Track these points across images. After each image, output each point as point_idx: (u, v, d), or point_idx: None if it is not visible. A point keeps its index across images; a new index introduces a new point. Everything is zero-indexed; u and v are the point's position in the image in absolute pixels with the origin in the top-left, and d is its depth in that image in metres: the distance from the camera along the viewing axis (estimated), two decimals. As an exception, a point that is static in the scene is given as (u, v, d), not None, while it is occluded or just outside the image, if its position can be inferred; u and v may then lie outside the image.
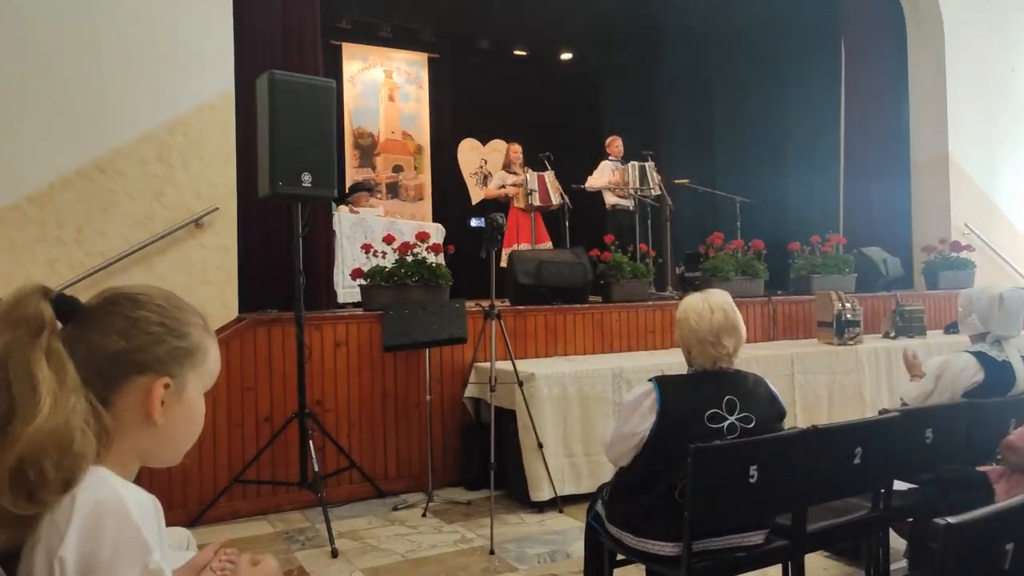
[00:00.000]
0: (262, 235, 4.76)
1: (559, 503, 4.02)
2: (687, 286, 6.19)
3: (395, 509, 4.09)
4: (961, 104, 7.32)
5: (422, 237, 4.74)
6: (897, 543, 2.90)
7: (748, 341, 5.59)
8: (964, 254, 6.71)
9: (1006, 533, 1.55)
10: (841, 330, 5.20)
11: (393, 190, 9.16)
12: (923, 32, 7.48)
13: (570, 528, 3.71)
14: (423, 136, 9.40)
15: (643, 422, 2.28)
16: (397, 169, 9.21)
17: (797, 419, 4.81)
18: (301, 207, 3.86)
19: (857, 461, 2.46)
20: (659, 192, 6.98)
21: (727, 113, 9.70)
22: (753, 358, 4.90)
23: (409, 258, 4.63)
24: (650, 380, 2.34)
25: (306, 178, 3.71)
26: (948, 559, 1.49)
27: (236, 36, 4.42)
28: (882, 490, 2.61)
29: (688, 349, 2.37)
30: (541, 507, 4.02)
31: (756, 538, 2.34)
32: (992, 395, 2.90)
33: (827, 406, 5.02)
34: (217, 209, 4.30)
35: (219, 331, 4.20)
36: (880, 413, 2.73)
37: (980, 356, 2.93)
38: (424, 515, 3.97)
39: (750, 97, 9.33)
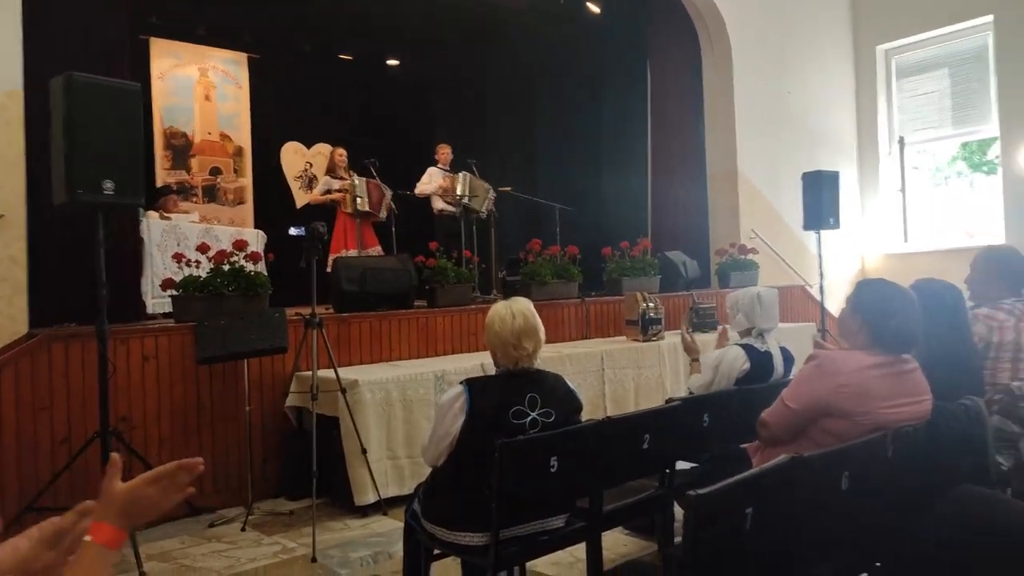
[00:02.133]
0: (60, 244, 4.42)
1: (383, 506, 4.09)
2: (509, 290, 6.46)
3: (211, 526, 3.97)
4: (747, 122, 8.20)
5: (240, 246, 4.61)
6: (682, 516, 3.27)
7: (564, 340, 6.06)
8: (750, 256, 7.53)
9: (747, 500, 1.84)
10: (646, 328, 5.68)
11: (211, 193, 8.74)
12: (715, 58, 8.30)
13: (394, 530, 3.79)
14: (243, 138, 9.04)
15: (455, 422, 2.42)
16: (215, 172, 8.79)
17: (607, 410, 5.20)
18: (105, 216, 3.64)
19: (646, 446, 2.76)
20: (490, 210, 7.21)
21: (549, 124, 10.17)
22: (567, 356, 5.24)
23: (226, 267, 4.50)
24: (461, 383, 2.50)
25: (108, 185, 3.49)
26: (699, 524, 1.75)
27: (30, 31, 4.10)
28: (667, 470, 2.94)
29: (494, 351, 2.55)
30: (365, 511, 4.07)
31: (558, 522, 2.56)
32: (757, 382, 3.34)
33: (634, 397, 5.46)
34: (2, 216, 3.95)
35: (5, 349, 3.86)
36: (667, 402, 3.06)
37: (747, 348, 3.36)
38: (243, 529, 3.89)
39: (569, 110, 9.85)
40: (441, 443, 2.46)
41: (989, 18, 8.28)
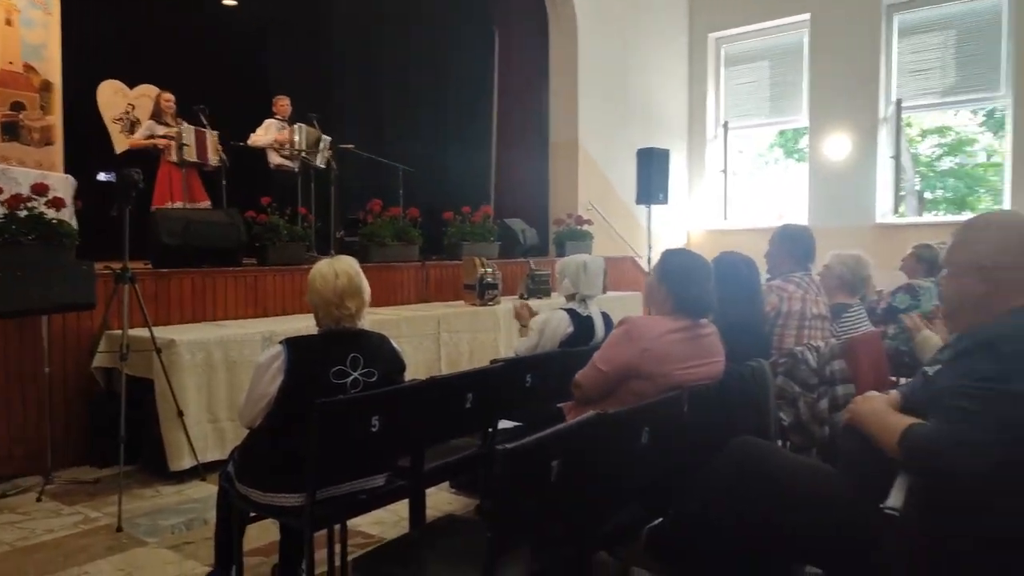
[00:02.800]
0: None
1: (201, 471, 3.92)
2: (347, 250, 6.31)
3: (3, 496, 3.62)
4: (589, 97, 8.48)
5: (39, 190, 4.16)
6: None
7: (403, 303, 6.05)
8: (585, 227, 7.84)
9: (553, 453, 1.94)
10: (483, 292, 5.79)
11: (11, 131, 7.77)
12: (561, 32, 8.48)
13: (211, 495, 3.58)
14: (52, 71, 8.07)
15: (272, 383, 2.36)
16: (17, 107, 7.82)
17: (443, 372, 5.26)
18: None
19: (469, 405, 2.83)
20: (327, 165, 6.98)
21: (395, 84, 9.93)
22: (404, 318, 5.23)
23: (22, 213, 4.05)
24: (280, 342, 2.43)
25: None
26: (507, 478, 1.83)
27: None
28: (490, 429, 3.04)
29: (316, 310, 2.50)
30: (182, 477, 3.88)
31: (378, 481, 2.57)
32: (580, 344, 3.51)
33: (468, 360, 5.56)
34: None
35: None
36: (491, 363, 3.15)
37: (571, 312, 3.52)
38: (40, 499, 3.58)
39: (416, 71, 9.66)
40: (258, 404, 2.39)
41: (806, 16, 9.05)
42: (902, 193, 9.48)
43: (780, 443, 3.22)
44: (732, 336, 2.83)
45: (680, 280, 2.53)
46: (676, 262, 2.57)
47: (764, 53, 9.68)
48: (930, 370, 1.82)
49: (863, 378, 3.42)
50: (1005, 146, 8.28)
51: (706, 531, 2.10)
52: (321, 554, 2.82)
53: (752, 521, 1.93)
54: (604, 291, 6.51)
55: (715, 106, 10.03)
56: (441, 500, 3.61)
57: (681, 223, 9.81)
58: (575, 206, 8.24)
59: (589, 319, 3.55)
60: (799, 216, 9.17)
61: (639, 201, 7.54)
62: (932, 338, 2.88)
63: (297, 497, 2.35)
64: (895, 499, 1.41)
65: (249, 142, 7.21)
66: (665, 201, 7.52)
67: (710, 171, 10.03)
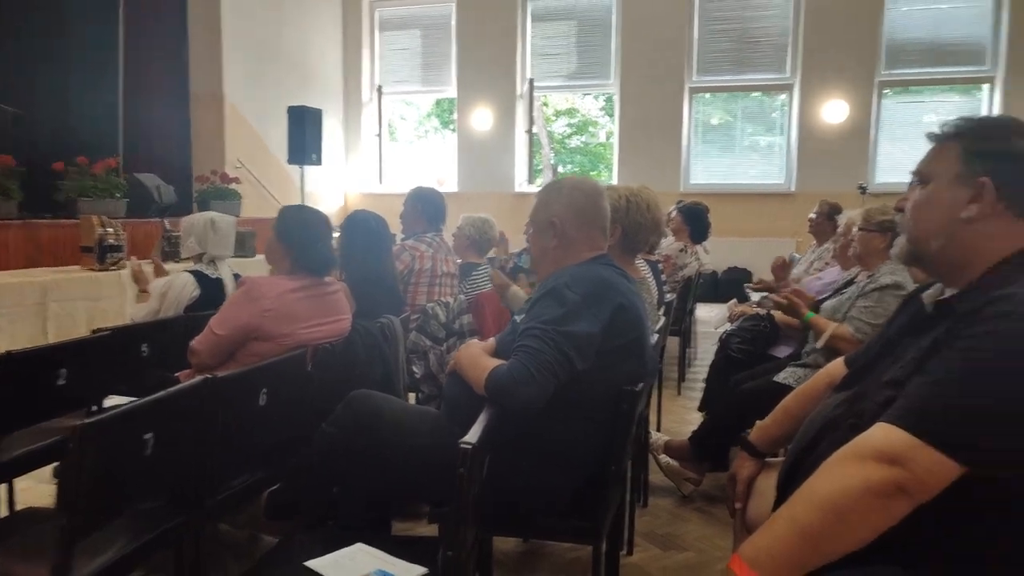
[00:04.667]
0: None
1: None
2: (-86, 205, 5.10)
3: None
4: (235, 49, 7.89)
5: None
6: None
7: (2, 268, 5.06)
8: (233, 185, 7.35)
9: (145, 426, 1.78)
10: (103, 255, 5.10)
11: None
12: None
13: None
14: None
15: None
16: None
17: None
18: None
19: (62, 382, 2.48)
20: None
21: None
22: (-4, 287, 4.41)
23: None
24: None
25: None
26: (89, 454, 1.62)
27: None
28: (95, 407, 2.69)
29: None
30: None
31: (-67, 480, 2.13)
32: (209, 308, 3.27)
33: (86, 331, 4.85)
34: None
35: None
36: (93, 332, 2.79)
37: (197, 274, 3.27)
38: None
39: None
40: None
41: (452, -11, 9.48)
42: (540, 166, 10.54)
43: (414, 394, 3.39)
44: (364, 292, 2.88)
45: (298, 237, 2.48)
46: (293, 219, 2.52)
47: (416, 21, 9.93)
48: (518, 318, 2.03)
49: (488, 330, 3.73)
50: (615, 128, 9.65)
51: (324, 485, 2.11)
52: None
53: (365, 469, 1.98)
54: (254, 254, 6.22)
55: (370, 70, 10.06)
56: (43, 493, 3.13)
57: (338, 185, 9.73)
58: (222, 163, 7.66)
59: (219, 281, 3.32)
60: (451, 183, 9.69)
61: (291, 161, 7.27)
62: (519, 292, 3.25)
63: None
64: (472, 434, 1.55)
65: None
66: (319, 162, 7.36)
67: (366, 134, 10.08)
